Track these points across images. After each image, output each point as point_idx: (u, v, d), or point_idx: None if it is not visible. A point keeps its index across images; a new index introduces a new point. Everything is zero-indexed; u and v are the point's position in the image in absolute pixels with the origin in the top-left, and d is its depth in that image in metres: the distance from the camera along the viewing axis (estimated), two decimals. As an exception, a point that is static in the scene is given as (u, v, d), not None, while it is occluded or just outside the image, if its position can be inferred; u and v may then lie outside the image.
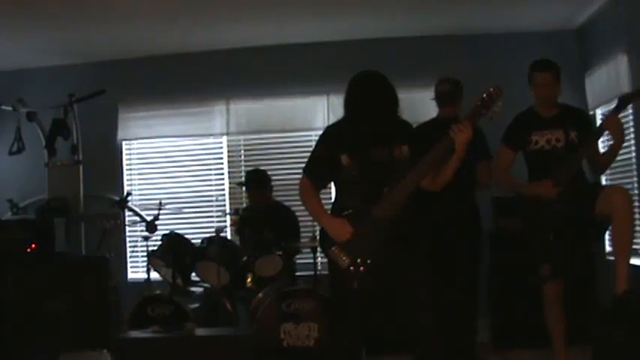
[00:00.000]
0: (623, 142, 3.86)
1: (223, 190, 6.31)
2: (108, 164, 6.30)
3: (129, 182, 6.39)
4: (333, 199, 3.39)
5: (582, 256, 4.08)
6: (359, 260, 3.10)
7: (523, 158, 4.05)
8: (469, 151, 3.14)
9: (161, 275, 5.19)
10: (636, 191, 4.93)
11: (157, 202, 5.34)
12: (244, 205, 5.86)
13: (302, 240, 5.19)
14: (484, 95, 3.06)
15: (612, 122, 3.75)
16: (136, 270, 6.27)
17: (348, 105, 3.24)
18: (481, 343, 4.64)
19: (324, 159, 3.25)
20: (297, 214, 5.34)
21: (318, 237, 3.37)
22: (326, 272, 3.42)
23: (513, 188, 4.05)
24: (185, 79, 6.27)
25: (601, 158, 3.98)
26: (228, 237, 5.84)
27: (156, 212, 5.21)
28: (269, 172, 5.46)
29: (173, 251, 5.02)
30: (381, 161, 3.16)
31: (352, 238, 3.11)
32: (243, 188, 5.62)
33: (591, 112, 5.68)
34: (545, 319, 3.99)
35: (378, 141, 3.17)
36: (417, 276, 3.16)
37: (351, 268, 3.10)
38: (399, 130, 3.27)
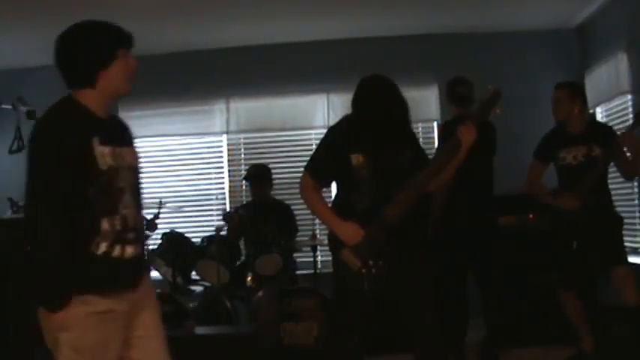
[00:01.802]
0: None
1: (223, 188, 6.32)
2: (108, 163, 6.29)
3: (129, 181, 6.39)
4: (333, 199, 3.37)
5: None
6: (371, 262, 3.09)
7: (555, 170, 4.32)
8: (485, 149, 3.19)
9: (161, 274, 5.19)
10: (636, 195, 4.94)
11: (157, 200, 5.34)
12: (244, 202, 5.87)
13: (301, 238, 5.19)
14: (484, 97, 3.10)
15: (628, 139, 3.93)
16: (136, 269, 6.27)
17: (361, 105, 3.22)
18: (480, 343, 4.64)
19: (332, 158, 3.21)
20: (297, 212, 5.35)
21: (327, 240, 3.34)
22: (326, 271, 3.42)
23: (540, 198, 4.34)
24: (185, 78, 6.27)
25: (629, 168, 4.14)
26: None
27: (156, 211, 5.21)
28: (269, 171, 5.47)
29: (173, 250, 5.02)
30: (392, 163, 3.16)
31: (363, 240, 3.10)
32: (244, 182, 5.63)
33: (591, 111, 5.69)
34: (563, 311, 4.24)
35: (390, 143, 3.17)
36: (420, 276, 3.16)
37: (363, 270, 3.10)
38: (405, 133, 3.28)
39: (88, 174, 2.22)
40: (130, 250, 2.34)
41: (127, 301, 2.34)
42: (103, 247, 2.25)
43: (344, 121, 3.29)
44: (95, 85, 2.34)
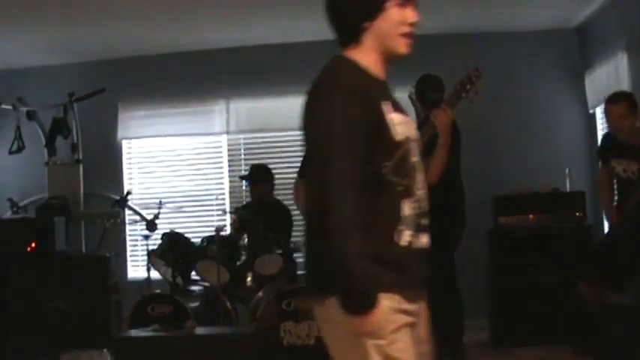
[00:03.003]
0: None
1: (223, 188, 6.32)
2: (108, 163, 6.31)
3: (129, 181, 6.40)
4: None
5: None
6: None
7: None
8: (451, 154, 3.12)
9: (161, 274, 5.19)
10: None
11: (157, 200, 5.34)
12: (244, 202, 5.87)
13: (301, 239, 5.19)
14: (463, 78, 3.05)
15: None
16: (136, 269, 6.28)
17: None
18: (481, 343, 4.64)
19: None
20: (296, 212, 5.35)
21: None
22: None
23: (603, 208, 4.35)
24: (185, 78, 6.27)
25: None
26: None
27: (156, 211, 5.21)
28: (269, 171, 5.47)
29: (173, 250, 5.02)
30: None
31: None
32: (244, 183, 5.63)
33: (591, 111, 5.69)
34: None
35: None
36: None
37: None
38: None
39: (382, 147, 1.84)
40: (425, 240, 1.93)
41: (419, 304, 1.94)
42: (406, 237, 1.86)
43: None
44: (361, 41, 1.96)
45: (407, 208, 1.86)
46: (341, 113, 1.80)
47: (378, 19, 1.90)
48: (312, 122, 1.86)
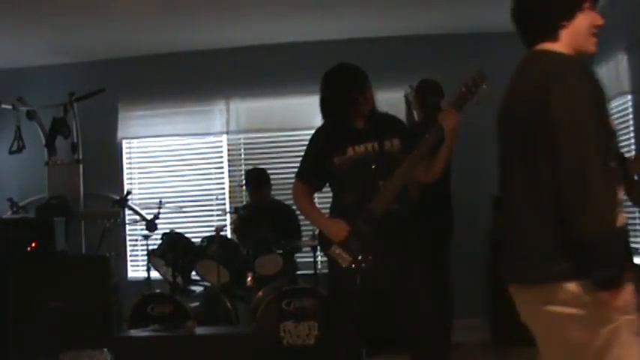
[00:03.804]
0: None
1: (223, 188, 6.32)
2: (108, 163, 6.30)
3: (129, 181, 6.40)
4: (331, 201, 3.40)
5: None
6: (360, 257, 3.10)
7: None
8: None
9: (161, 274, 5.19)
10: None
11: (157, 200, 5.34)
12: (244, 203, 5.87)
13: (302, 238, 5.20)
14: (467, 81, 3.09)
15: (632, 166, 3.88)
16: (136, 269, 6.28)
17: (320, 108, 3.32)
18: (481, 343, 4.64)
19: (316, 161, 3.29)
20: (297, 212, 5.35)
21: (316, 238, 3.38)
22: (326, 271, 3.43)
23: None
24: (185, 78, 6.27)
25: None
26: (228, 236, 5.84)
27: (156, 211, 5.21)
28: (269, 171, 5.48)
29: (173, 250, 5.02)
30: (370, 157, 3.19)
31: (350, 235, 3.12)
32: (244, 188, 5.64)
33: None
34: None
35: (364, 137, 3.22)
36: (416, 270, 3.17)
37: (353, 265, 3.11)
38: (388, 124, 3.31)
39: (607, 135, 1.96)
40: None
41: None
42: (623, 219, 1.97)
43: (324, 124, 3.38)
44: (559, 38, 2.05)
45: (620, 193, 2.00)
46: (588, 99, 1.92)
47: (576, 18, 2.04)
48: (557, 110, 1.93)
